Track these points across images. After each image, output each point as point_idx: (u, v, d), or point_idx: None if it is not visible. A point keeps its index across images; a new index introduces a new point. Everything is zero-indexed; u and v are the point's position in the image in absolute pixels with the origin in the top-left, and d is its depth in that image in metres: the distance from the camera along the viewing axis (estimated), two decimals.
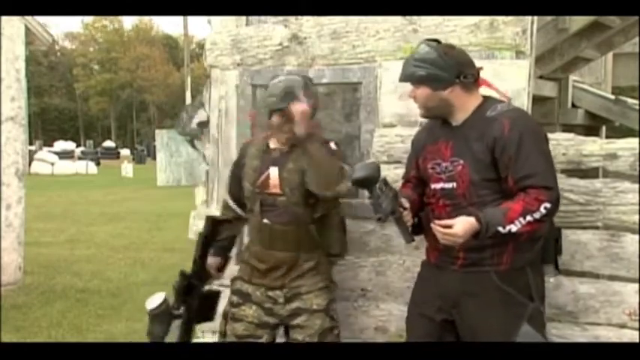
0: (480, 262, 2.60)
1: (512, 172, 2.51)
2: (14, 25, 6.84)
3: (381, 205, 2.60)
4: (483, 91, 2.72)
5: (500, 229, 2.44)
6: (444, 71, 2.61)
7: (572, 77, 5.69)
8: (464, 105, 2.65)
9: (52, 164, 31.41)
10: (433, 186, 2.70)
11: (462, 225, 2.47)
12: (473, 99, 2.66)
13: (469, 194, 2.60)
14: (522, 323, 2.51)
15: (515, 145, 2.50)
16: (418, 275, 2.89)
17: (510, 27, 3.08)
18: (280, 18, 3.56)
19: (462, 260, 2.63)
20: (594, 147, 2.94)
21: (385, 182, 2.64)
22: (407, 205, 2.66)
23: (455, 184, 2.63)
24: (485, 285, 2.59)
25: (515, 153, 2.50)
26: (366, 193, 2.73)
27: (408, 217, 2.67)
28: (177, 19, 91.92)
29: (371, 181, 2.64)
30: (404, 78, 2.71)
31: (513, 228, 2.43)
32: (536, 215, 2.43)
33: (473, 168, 2.59)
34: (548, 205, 2.45)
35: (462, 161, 2.61)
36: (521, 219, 2.43)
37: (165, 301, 3.00)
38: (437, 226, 2.51)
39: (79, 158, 36.73)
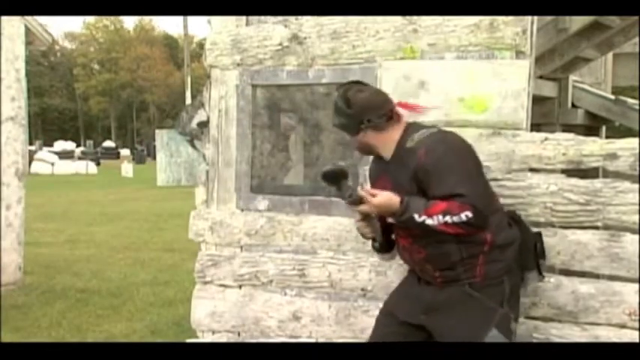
0: (456, 278, 2.63)
1: (436, 196, 2.52)
2: (14, 25, 6.84)
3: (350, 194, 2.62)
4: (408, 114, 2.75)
5: (416, 216, 2.49)
6: (349, 119, 2.70)
7: (572, 77, 5.68)
8: (384, 143, 2.70)
9: (52, 164, 31.44)
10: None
11: (381, 198, 2.55)
12: (392, 134, 2.70)
13: None
14: (490, 328, 2.55)
15: (433, 171, 2.53)
16: (403, 279, 2.95)
17: (510, 27, 3.08)
18: (280, 18, 3.56)
19: (440, 279, 2.68)
20: (594, 147, 2.93)
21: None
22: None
23: None
24: (456, 294, 2.63)
25: (435, 179, 2.52)
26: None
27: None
28: (177, 19, 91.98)
29: (338, 176, 2.62)
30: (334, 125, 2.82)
31: (429, 221, 2.48)
32: (456, 219, 2.46)
33: None
34: (470, 214, 2.46)
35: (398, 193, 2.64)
36: (440, 216, 2.46)
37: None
38: (363, 192, 2.58)
39: (79, 158, 36.73)
